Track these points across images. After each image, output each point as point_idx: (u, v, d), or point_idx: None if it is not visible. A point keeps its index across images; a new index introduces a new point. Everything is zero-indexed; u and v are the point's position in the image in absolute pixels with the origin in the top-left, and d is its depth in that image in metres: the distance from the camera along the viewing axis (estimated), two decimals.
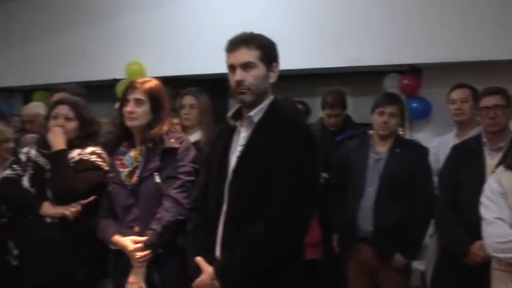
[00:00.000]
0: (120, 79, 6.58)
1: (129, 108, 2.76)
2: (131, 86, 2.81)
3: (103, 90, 6.42)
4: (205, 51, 5.83)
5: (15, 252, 2.89)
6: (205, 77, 5.99)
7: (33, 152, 3.06)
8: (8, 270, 2.89)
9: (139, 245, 2.60)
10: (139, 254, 2.61)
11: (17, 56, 7.83)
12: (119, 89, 6.48)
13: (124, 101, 2.81)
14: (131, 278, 2.63)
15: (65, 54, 7.27)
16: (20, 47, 7.83)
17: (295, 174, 2.12)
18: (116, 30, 6.84)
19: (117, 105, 4.75)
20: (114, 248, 2.72)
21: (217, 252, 2.23)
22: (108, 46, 6.86)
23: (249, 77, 2.21)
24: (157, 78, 2.97)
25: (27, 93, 8.12)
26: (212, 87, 5.66)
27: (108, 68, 6.74)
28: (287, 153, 2.14)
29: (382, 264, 3.34)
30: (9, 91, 8.63)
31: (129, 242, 2.63)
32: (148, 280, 2.64)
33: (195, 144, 3.24)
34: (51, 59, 7.42)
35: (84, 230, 2.89)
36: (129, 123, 2.77)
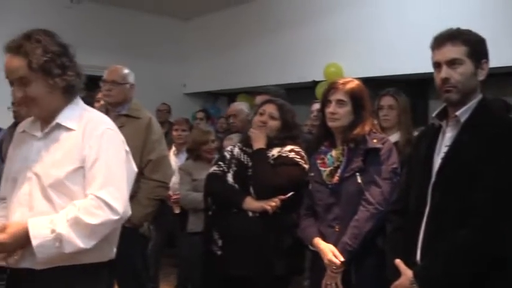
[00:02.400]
0: (319, 81, 6.65)
1: (331, 109, 2.76)
2: (333, 87, 2.81)
3: (302, 93, 6.56)
4: (403, 51, 5.67)
5: (219, 242, 3.05)
6: (405, 78, 5.82)
7: (236, 150, 3.22)
8: (213, 259, 3.07)
9: (336, 261, 2.59)
10: (334, 269, 2.60)
11: (222, 61, 8.33)
12: (319, 91, 6.58)
13: (326, 102, 2.82)
14: (327, 279, 2.64)
15: (267, 57, 7.57)
16: (223, 53, 8.33)
17: (507, 179, 1.95)
18: (316, 33, 6.96)
19: (314, 106, 4.86)
20: (313, 249, 2.75)
21: (418, 255, 2.13)
22: (308, 49, 7.01)
23: (456, 75, 2.09)
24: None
25: (231, 97, 8.62)
26: (412, 88, 5.47)
27: (308, 70, 6.88)
28: (498, 156, 1.97)
29: None
30: (215, 95, 9.22)
31: (328, 250, 2.63)
32: (345, 278, 2.62)
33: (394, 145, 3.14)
34: (254, 63, 7.78)
35: (283, 224, 2.97)
36: (331, 124, 2.78)
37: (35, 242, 1.79)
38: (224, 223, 3.05)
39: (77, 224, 1.83)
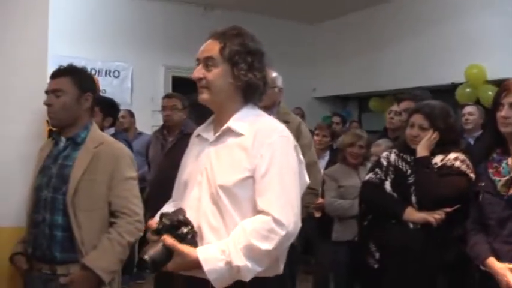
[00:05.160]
0: (459, 83, 6.30)
1: (503, 113, 2.50)
2: (505, 89, 2.54)
3: (439, 96, 6.21)
4: None
5: (377, 255, 2.89)
6: None
7: (393, 157, 3.03)
8: (369, 272, 2.91)
9: None
10: None
11: (352, 64, 8.16)
12: (460, 93, 6.22)
13: (497, 105, 2.56)
14: None
15: (401, 60, 7.32)
16: (354, 56, 8.15)
17: None
18: (457, 33, 6.61)
19: (466, 109, 4.56)
20: (484, 269, 2.49)
21: None
22: (447, 49, 6.65)
23: None
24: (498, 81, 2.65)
25: (362, 100, 8.40)
26: None
27: (447, 72, 6.53)
28: None
29: None
30: (346, 99, 9.05)
31: (506, 272, 2.35)
32: None
33: None
34: (386, 66, 7.55)
35: (447, 238, 2.76)
36: (503, 129, 2.51)
37: (211, 276, 1.72)
38: (382, 234, 2.89)
39: (251, 251, 1.73)
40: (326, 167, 4.71)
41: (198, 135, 2.05)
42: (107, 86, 7.11)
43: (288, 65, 8.22)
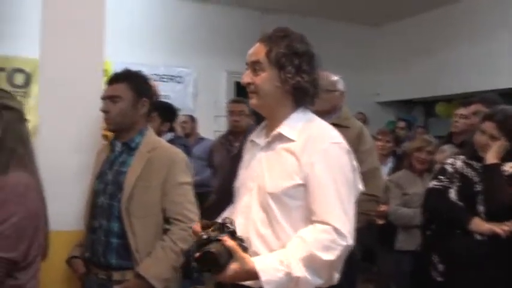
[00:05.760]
0: None
1: None
2: None
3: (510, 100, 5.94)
4: None
5: (440, 267, 2.76)
6: None
7: (459, 163, 2.89)
8: (433, 284, 2.77)
9: None
10: None
11: (417, 68, 7.95)
12: None
13: None
14: None
15: (468, 63, 7.08)
16: (419, 59, 7.94)
17: None
18: None
19: None
20: None
21: None
22: None
23: None
24: None
25: (427, 105, 8.16)
26: None
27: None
28: None
29: None
30: (411, 103, 8.82)
31: None
32: None
33: None
34: (453, 69, 7.32)
35: None
36: None
37: (268, 287, 1.64)
38: (446, 245, 2.75)
39: (313, 262, 1.66)
40: (389, 174, 4.57)
41: (251, 141, 2.01)
42: (169, 92, 7.20)
43: (351, 68, 8.12)
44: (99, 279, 2.41)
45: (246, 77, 1.89)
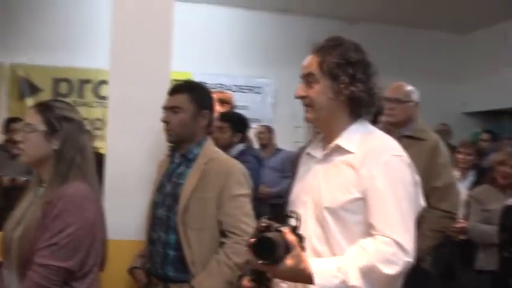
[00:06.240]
0: None
1: None
2: None
3: None
4: None
5: None
6: None
7: None
8: None
9: None
10: None
11: (508, 76, 7.57)
12: None
13: None
14: None
15: None
16: (509, 68, 7.54)
17: None
18: None
19: None
20: None
21: None
22: None
23: None
24: None
25: None
26: None
27: None
28: None
29: None
30: (500, 114, 8.43)
31: None
32: None
33: None
34: None
35: None
36: None
37: None
38: None
39: (372, 273, 1.59)
40: (470, 188, 4.36)
41: (308, 154, 1.96)
42: (249, 102, 7.28)
43: (437, 77, 7.90)
44: None
45: (300, 91, 1.84)
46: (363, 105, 1.80)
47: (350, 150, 1.76)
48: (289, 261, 1.52)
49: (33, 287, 1.82)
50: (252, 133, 6.35)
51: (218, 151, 2.59)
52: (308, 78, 1.81)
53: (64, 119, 1.99)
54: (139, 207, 2.62)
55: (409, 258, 1.60)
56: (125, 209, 2.65)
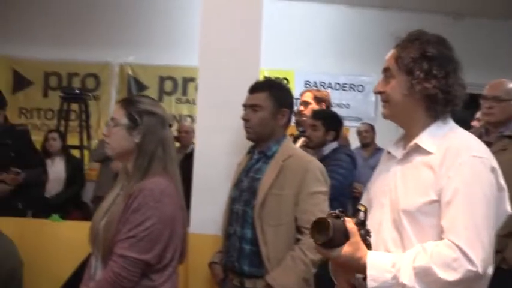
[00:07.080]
0: None
1: None
2: None
3: None
4: None
5: None
6: None
7: None
8: None
9: None
10: None
11: None
12: None
13: None
14: None
15: None
16: None
17: None
18: None
19: None
20: None
21: None
22: None
23: None
24: None
25: None
26: None
27: None
28: None
29: None
30: None
31: None
32: None
33: None
34: None
35: None
36: None
37: (371, 284, 1.55)
38: None
39: (426, 275, 1.51)
40: None
41: (388, 153, 1.89)
42: (350, 100, 7.17)
43: None
44: (233, 286, 2.46)
45: (378, 86, 1.79)
46: (438, 103, 1.70)
47: (429, 150, 1.68)
48: (346, 248, 1.55)
49: (113, 276, 1.89)
50: (354, 132, 6.27)
51: (295, 148, 2.59)
52: (386, 73, 1.76)
53: (146, 113, 2.03)
54: (221, 203, 2.67)
55: (474, 268, 1.49)
56: (208, 205, 2.70)
